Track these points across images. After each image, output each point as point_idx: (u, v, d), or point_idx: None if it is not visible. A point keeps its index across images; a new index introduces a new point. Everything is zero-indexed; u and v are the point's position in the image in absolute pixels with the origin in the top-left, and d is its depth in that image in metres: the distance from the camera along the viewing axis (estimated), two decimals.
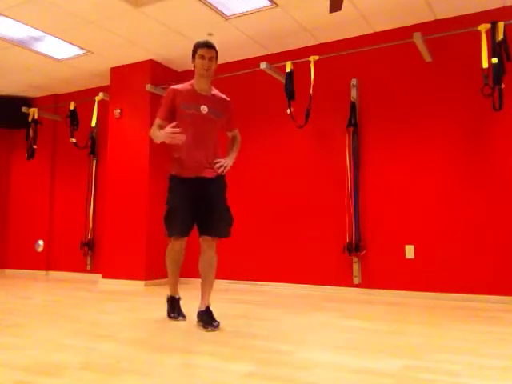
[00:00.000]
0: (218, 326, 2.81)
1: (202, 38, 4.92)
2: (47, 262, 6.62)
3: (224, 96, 3.16)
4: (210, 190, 2.99)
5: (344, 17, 4.46)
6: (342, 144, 4.78)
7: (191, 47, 3.05)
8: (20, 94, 6.90)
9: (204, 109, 3.01)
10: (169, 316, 3.20)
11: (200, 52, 2.99)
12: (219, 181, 3.05)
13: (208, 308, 2.92)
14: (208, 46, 3.00)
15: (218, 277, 5.17)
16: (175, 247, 3.10)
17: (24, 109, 6.48)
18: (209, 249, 3.01)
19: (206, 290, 3.00)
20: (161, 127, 2.96)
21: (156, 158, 5.52)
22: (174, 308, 3.22)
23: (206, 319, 2.84)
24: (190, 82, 3.08)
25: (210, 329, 2.78)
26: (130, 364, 2.01)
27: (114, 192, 5.63)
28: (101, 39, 5.02)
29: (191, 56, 3.08)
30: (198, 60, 3.00)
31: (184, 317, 3.17)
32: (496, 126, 4.15)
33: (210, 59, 2.99)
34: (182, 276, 5.59)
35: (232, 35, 4.89)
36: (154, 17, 4.51)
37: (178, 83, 3.11)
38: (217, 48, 3.06)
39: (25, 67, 5.82)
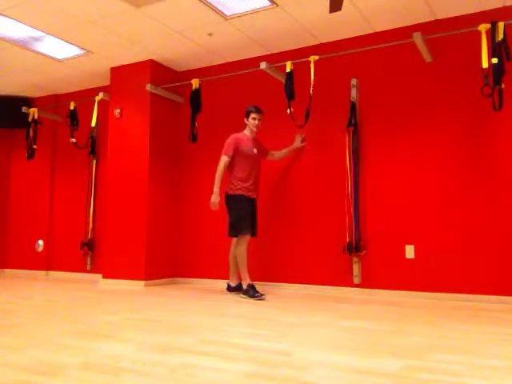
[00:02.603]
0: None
1: (202, 38, 4.94)
2: (47, 262, 6.62)
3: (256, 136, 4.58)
4: (255, 205, 4.49)
5: (344, 17, 4.45)
6: (342, 144, 4.78)
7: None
8: (20, 94, 6.90)
9: (254, 150, 4.47)
10: (257, 296, 4.12)
11: (253, 115, 4.43)
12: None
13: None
14: (259, 111, 4.46)
15: (217, 277, 5.25)
16: (247, 241, 4.33)
17: (24, 109, 6.47)
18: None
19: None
20: (226, 163, 4.32)
21: (156, 158, 5.52)
22: (256, 290, 4.19)
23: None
24: (243, 132, 4.49)
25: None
26: (130, 364, 2.01)
27: (114, 192, 5.63)
28: (101, 39, 5.02)
29: (245, 114, 4.47)
30: (250, 120, 4.44)
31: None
32: (496, 126, 4.14)
33: (259, 120, 4.47)
34: (182, 276, 5.62)
35: (232, 35, 4.88)
36: (154, 17, 4.51)
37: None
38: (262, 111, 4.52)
39: (25, 67, 5.82)
